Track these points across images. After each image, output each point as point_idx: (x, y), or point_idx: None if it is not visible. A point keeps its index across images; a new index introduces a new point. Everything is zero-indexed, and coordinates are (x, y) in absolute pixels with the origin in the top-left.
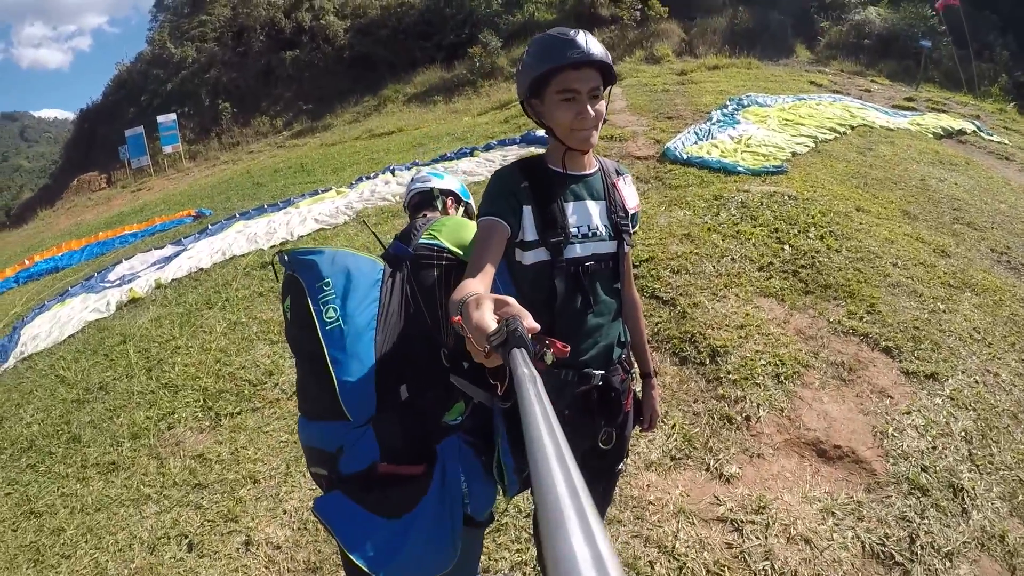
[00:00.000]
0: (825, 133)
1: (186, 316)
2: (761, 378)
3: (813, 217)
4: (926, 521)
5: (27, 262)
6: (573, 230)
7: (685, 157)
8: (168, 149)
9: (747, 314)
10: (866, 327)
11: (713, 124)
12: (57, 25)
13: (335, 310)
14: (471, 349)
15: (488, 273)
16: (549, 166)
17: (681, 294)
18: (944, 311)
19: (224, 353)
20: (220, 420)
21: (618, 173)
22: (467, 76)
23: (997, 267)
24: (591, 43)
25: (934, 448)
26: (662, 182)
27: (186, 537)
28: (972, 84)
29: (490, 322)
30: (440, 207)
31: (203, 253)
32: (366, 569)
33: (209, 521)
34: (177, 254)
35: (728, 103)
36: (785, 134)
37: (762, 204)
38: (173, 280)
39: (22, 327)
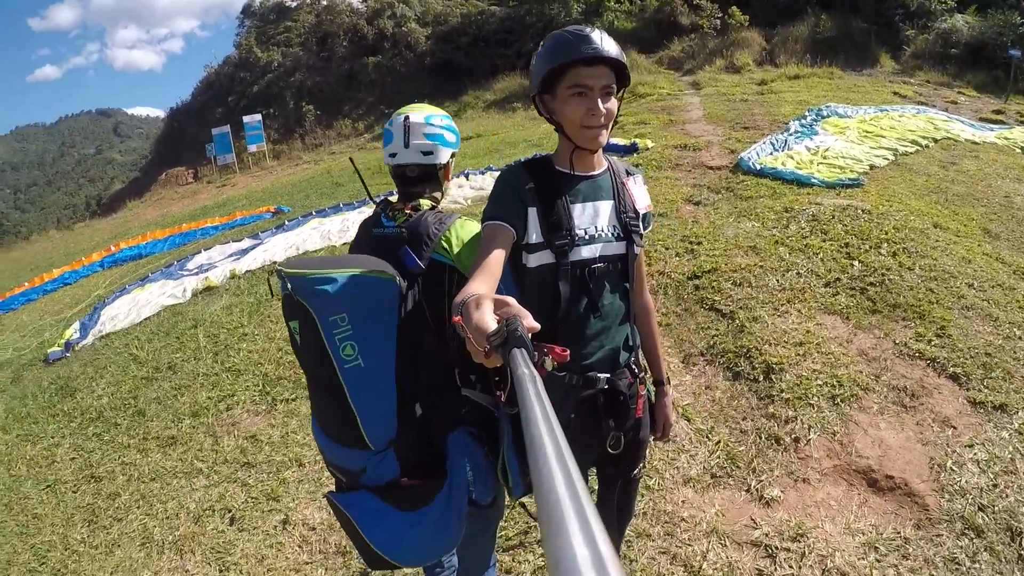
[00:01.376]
0: (906, 146)
1: (255, 306)
2: (816, 399)
3: (886, 233)
4: (977, 566)
5: (113, 248)
6: (580, 232)
7: (758, 168)
8: (253, 148)
9: (808, 331)
10: (934, 351)
11: (790, 135)
12: (150, 28)
13: (353, 347)
14: (471, 349)
15: (491, 278)
16: (556, 167)
17: (741, 307)
18: (1020, 338)
19: (287, 342)
20: (275, 405)
21: (628, 173)
22: None
23: None
24: (606, 40)
25: (995, 486)
26: (733, 193)
27: (229, 511)
28: None
29: (490, 322)
30: (439, 177)
31: (278, 247)
32: (380, 552)
33: (252, 498)
34: (253, 247)
35: (807, 114)
36: (864, 146)
37: (834, 218)
38: (247, 271)
39: (103, 307)
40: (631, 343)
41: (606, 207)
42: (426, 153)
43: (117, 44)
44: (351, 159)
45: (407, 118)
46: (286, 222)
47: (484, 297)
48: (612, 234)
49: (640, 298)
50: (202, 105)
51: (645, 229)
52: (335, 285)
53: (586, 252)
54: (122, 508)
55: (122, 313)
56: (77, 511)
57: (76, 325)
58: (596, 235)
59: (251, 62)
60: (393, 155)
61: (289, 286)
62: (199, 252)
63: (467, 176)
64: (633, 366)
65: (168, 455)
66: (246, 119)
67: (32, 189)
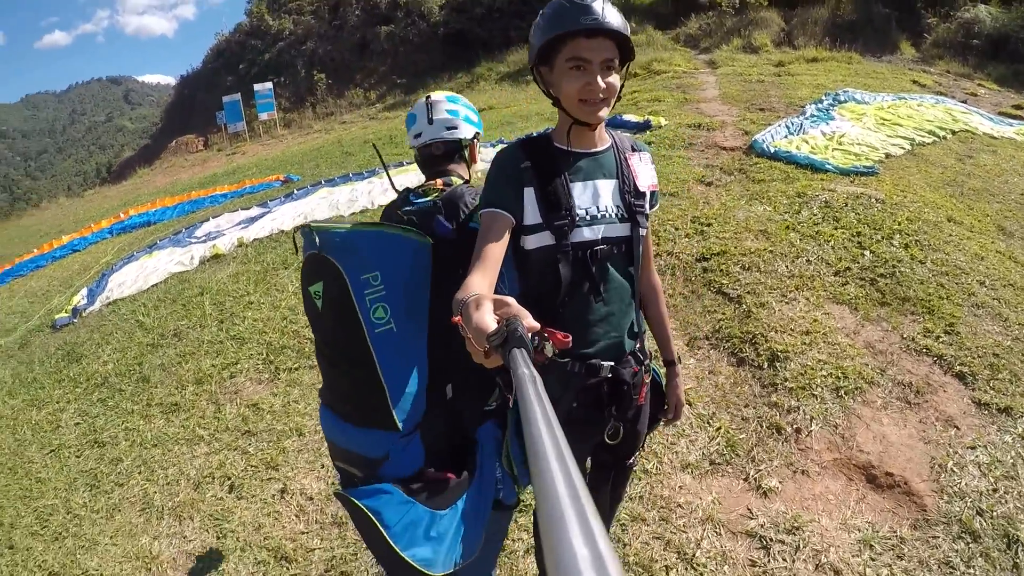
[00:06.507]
0: (923, 136)
1: (262, 274)
2: (819, 390)
3: (899, 224)
4: (971, 571)
5: (122, 215)
6: (580, 212)
7: (772, 151)
8: (263, 116)
9: (815, 320)
10: (941, 348)
11: (806, 119)
12: None
13: (385, 310)
14: (471, 349)
15: (492, 270)
16: (555, 144)
17: (749, 292)
18: None
19: (292, 311)
20: (278, 373)
21: (634, 149)
22: None
23: None
24: (608, 10)
25: (995, 490)
26: (745, 175)
27: (229, 479)
28: None
29: (490, 322)
30: (466, 156)
31: (286, 216)
32: (407, 557)
33: (252, 467)
34: (262, 215)
35: (824, 98)
36: (881, 134)
37: (847, 205)
38: (255, 240)
39: (111, 274)
40: (636, 329)
41: (608, 186)
42: (450, 128)
43: (128, 10)
44: (375, 145)
45: (428, 97)
46: (295, 191)
47: (484, 297)
48: (615, 215)
49: (648, 277)
50: (213, 73)
51: (652, 208)
52: (368, 240)
53: (588, 233)
54: (124, 473)
55: (129, 280)
56: (80, 476)
57: (84, 292)
58: (598, 215)
59: (262, 30)
60: (418, 135)
61: (318, 241)
62: (207, 220)
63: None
64: (638, 353)
65: (171, 422)
66: (257, 87)
67: (43, 156)
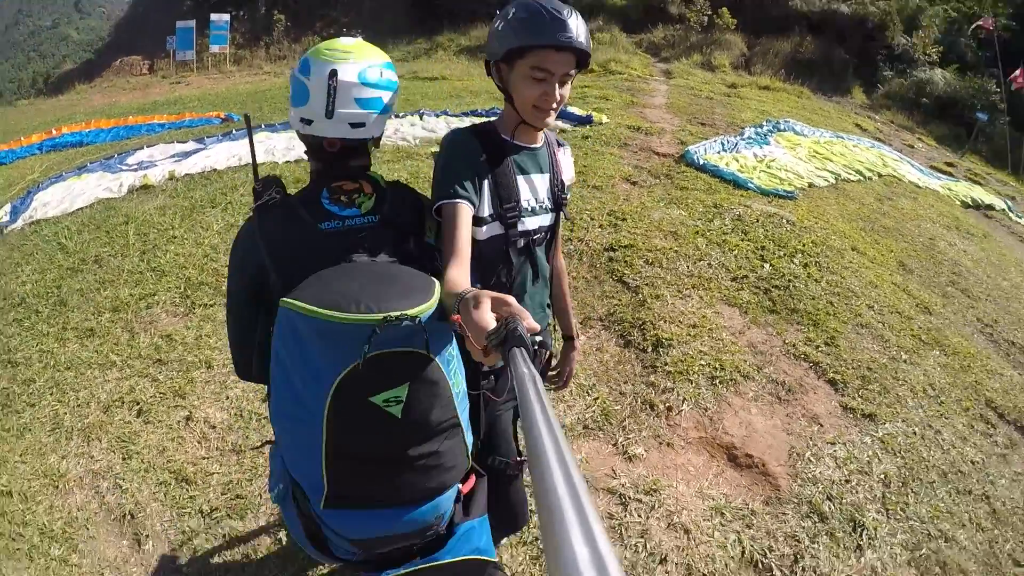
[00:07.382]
0: (850, 173)
1: (189, 210)
2: (696, 376)
3: (804, 245)
4: (815, 546)
5: (54, 132)
6: (524, 203)
7: (702, 163)
8: (215, 49)
9: (704, 316)
10: (819, 356)
11: (742, 139)
12: None
13: (460, 374)
14: (469, 347)
15: (467, 262)
16: (503, 136)
17: (647, 284)
18: (905, 361)
19: (214, 250)
20: (194, 308)
21: (559, 144)
22: None
23: (978, 336)
24: (580, 28)
25: (847, 481)
26: (671, 180)
27: (138, 404)
28: (1019, 166)
29: (490, 321)
30: (369, 146)
31: (221, 155)
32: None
33: (161, 394)
34: (196, 151)
35: (764, 124)
36: (810, 164)
37: (758, 221)
38: (186, 175)
39: (36, 192)
40: (549, 302)
41: (544, 180)
42: (356, 125)
43: None
44: (246, 115)
45: (334, 75)
46: (233, 131)
47: (483, 295)
48: (548, 206)
49: (557, 261)
50: None
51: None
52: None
53: (529, 223)
54: (36, 394)
55: (55, 200)
56: None
57: (7, 207)
58: (536, 207)
59: None
60: (307, 122)
61: (428, 342)
62: (141, 148)
63: (422, 116)
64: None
65: (85, 346)
66: (214, 17)
67: None
